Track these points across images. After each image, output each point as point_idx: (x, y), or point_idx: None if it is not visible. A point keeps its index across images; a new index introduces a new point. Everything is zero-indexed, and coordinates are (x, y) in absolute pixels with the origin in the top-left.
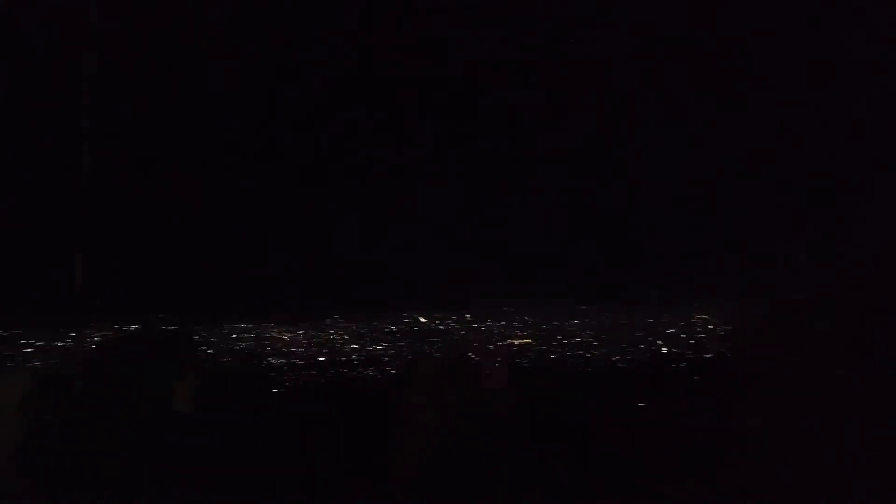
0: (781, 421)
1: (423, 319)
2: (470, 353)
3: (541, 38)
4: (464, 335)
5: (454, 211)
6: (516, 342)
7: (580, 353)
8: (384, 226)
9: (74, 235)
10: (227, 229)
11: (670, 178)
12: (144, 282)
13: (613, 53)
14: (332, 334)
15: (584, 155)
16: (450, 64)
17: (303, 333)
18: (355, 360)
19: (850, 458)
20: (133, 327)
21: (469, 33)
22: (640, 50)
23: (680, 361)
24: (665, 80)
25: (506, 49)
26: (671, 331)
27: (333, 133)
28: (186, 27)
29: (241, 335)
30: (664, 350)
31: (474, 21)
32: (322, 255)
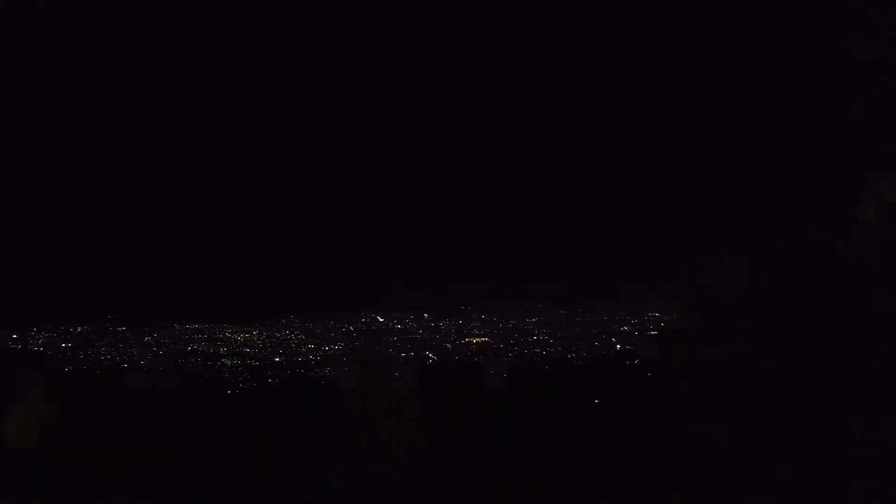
0: (720, 415)
1: (380, 319)
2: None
3: (541, 38)
4: (422, 334)
5: (415, 213)
6: (474, 340)
7: (537, 350)
8: (344, 227)
9: (26, 235)
10: (180, 229)
11: (629, 182)
12: (95, 282)
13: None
14: (288, 334)
15: (549, 160)
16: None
17: (257, 333)
18: (312, 360)
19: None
20: (81, 328)
21: (469, 34)
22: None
23: (633, 358)
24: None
25: (506, 49)
26: (625, 328)
27: (303, 131)
28: (187, 27)
29: (194, 335)
30: (618, 347)
31: (474, 21)
32: (280, 255)
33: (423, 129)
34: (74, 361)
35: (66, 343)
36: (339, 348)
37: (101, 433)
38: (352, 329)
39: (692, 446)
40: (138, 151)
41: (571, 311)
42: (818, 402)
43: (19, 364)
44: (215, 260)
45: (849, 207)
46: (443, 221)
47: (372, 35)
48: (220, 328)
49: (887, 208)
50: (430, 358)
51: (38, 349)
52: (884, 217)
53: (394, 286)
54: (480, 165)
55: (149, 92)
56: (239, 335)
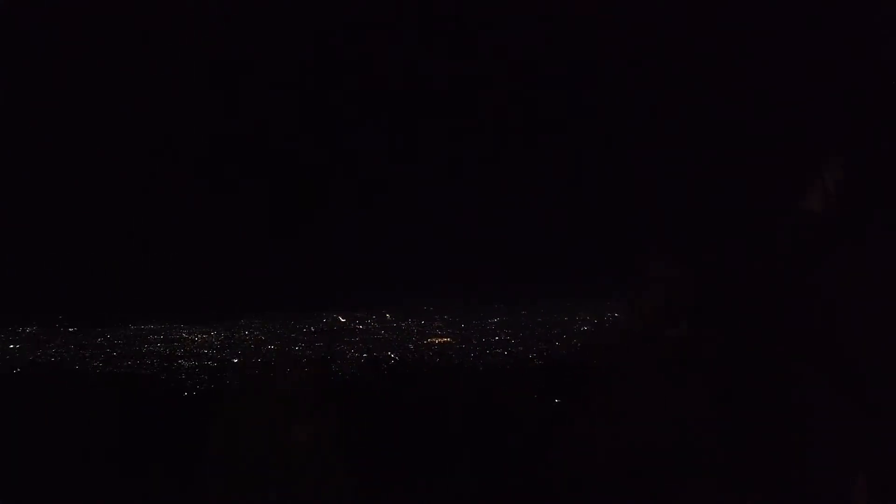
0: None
1: (342, 319)
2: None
3: (541, 38)
4: (383, 335)
5: (379, 214)
6: (437, 341)
7: (498, 350)
8: (305, 227)
9: None
10: (136, 227)
11: (585, 182)
12: (43, 280)
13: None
14: (247, 335)
15: (496, 160)
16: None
17: (215, 334)
18: (273, 361)
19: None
20: (29, 329)
21: (469, 34)
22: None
23: (592, 357)
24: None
25: (506, 49)
26: (585, 328)
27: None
28: (187, 27)
29: (149, 336)
30: (579, 346)
31: (474, 22)
32: (239, 254)
33: (414, 128)
34: (23, 364)
35: (15, 345)
36: (298, 349)
37: (58, 436)
38: (312, 329)
39: (653, 447)
40: (104, 148)
41: (533, 312)
42: (774, 397)
43: None
44: (172, 259)
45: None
46: (407, 222)
47: (372, 35)
48: (176, 329)
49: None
50: (392, 358)
51: None
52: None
53: (355, 286)
54: (455, 165)
55: (134, 90)
56: (196, 336)
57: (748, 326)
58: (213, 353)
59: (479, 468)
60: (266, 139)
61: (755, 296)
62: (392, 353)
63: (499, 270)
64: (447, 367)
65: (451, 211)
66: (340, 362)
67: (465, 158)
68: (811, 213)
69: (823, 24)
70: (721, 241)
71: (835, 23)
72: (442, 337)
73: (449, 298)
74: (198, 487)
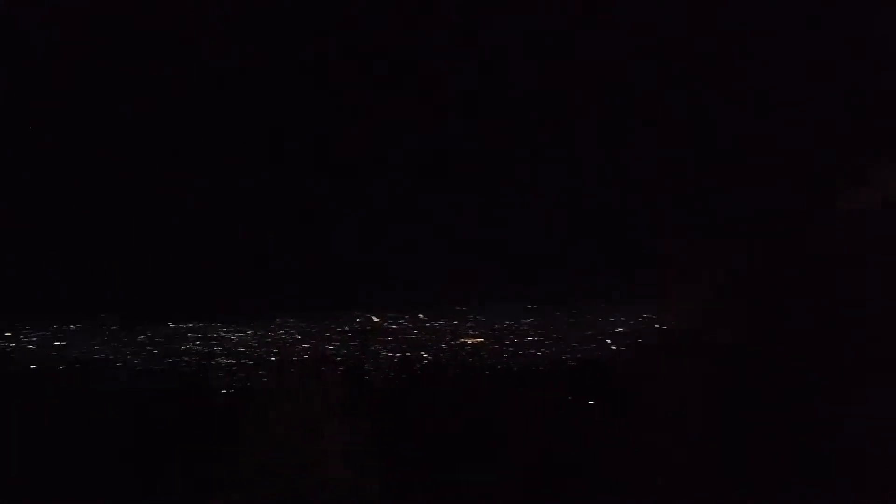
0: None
1: (375, 319)
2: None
3: (541, 38)
4: (416, 335)
5: (407, 212)
6: (469, 341)
7: (532, 352)
8: (339, 227)
9: (17, 233)
10: (174, 228)
11: (625, 182)
12: (88, 280)
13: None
14: (283, 334)
15: (537, 159)
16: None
17: (251, 333)
18: (307, 359)
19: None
20: (74, 326)
21: (469, 34)
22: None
23: (628, 360)
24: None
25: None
26: (620, 329)
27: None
28: (187, 26)
29: (188, 335)
30: (613, 348)
31: (475, 22)
32: (274, 254)
33: (422, 128)
34: (69, 360)
35: (60, 342)
36: (333, 348)
37: (99, 433)
38: (346, 329)
39: (687, 447)
40: (132, 149)
41: (566, 312)
42: (815, 400)
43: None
44: (209, 259)
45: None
46: (440, 222)
47: (372, 35)
48: (214, 327)
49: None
50: (425, 358)
51: (32, 347)
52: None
53: (389, 286)
54: (479, 165)
55: (147, 90)
56: (233, 335)
57: (786, 327)
58: (249, 351)
59: (511, 469)
60: (296, 138)
61: (793, 296)
62: (425, 353)
63: (531, 271)
64: (480, 368)
65: (482, 212)
66: (374, 362)
67: (493, 160)
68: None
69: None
70: (752, 242)
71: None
72: (475, 337)
73: (481, 299)
74: (234, 483)
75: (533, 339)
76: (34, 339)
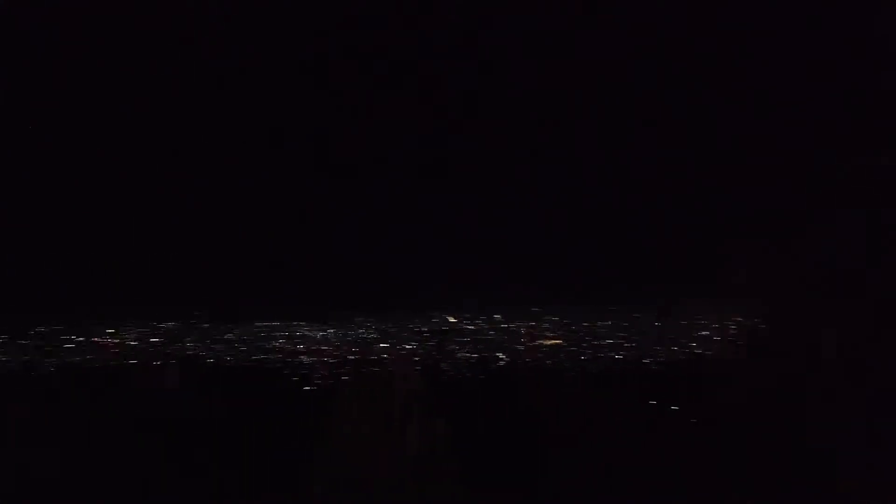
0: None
1: (452, 319)
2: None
3: (542, 38)
4: (492, 335)
5: (479, 213)
6: (546, 343)
7: (611, 354)
8: (411, 229)
9: (115, 229)
10: (264, 233)
11: (706, 183)
12: (185, 281)
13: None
14: (362, 333)
15: (596, 161)
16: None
17: (332, 332)
18: (385, 358)
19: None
20: (167, 325)
21: (470, 34)
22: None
23: (713, 363)
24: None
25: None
26: (705, 333)
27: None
28: (188, 27)
29: (273, 333)
30: (698, 351)
31: (475, 22)
32: (355, 255)
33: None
34: (162, 356)
35: (156, 338)
36: (410, 348)
37: (193, 426)
38: (423, 329)
39: (773, 451)
40: (218, 155)
41: (648, 314)
42: None
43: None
44: (294, 261)
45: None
46: (517, 224)
47: (371, 35)
48: (297, 326)
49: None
50: (501, 359)
51: (133, 343)
52: None
53: (466, 288)
54: (569, 169)
55: (162, 91)
56: (316, 333)
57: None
58: (331, 349)
59: (587, 473)
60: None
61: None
62: (501, 353)
63: (611, 273)
64: (557, 370)
65: (563, 213)
66: (450, 362)
67: (577, 162)
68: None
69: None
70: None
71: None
72: (552, 339)
73: (558, 300)
74: (317, 479)
75: (613, 342)
76: (134, 335)
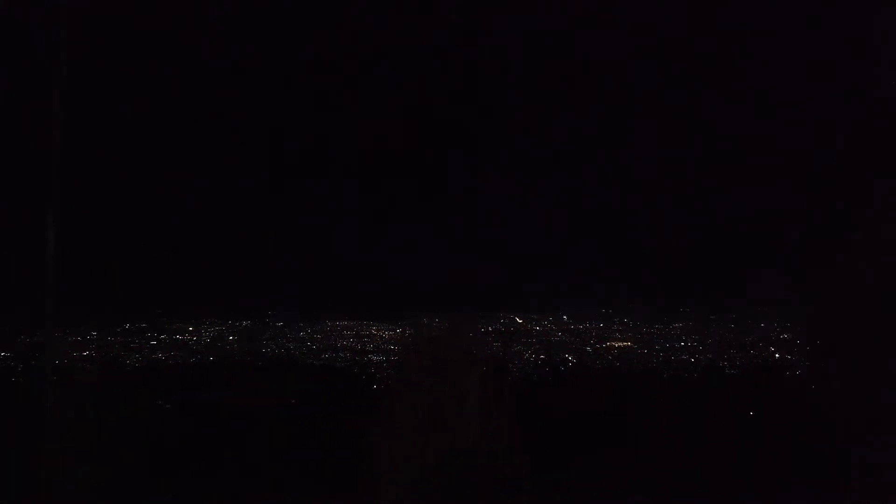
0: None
1: (519, 320)
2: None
3: (542, 39)
4: (560, 336)
5: (553, 215)
6: (616, 345)
7: (684, 357)
8: (485, 230)
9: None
10: (330, 234)
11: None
12: (259, 282)
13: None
14: (432, 332)
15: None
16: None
17: (400, 332)
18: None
19: None
20: (244, 323)
21: (470, 35)
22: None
23: (794, 368)
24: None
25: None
26: (786, 336)
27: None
28: (187, 26)
29: (343, 331)
30: (777, 356)
31: (475, 22)
32: (423, 255)
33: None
34: (240, 353)
35: (233, 336)
36: (477, 347)
37: (267, 421)
38: (490, 329)
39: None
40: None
41: (723, 316)
42: None
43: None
44: (365, 260)
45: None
46: (584, 223)
47: (372, 36)
48: (366, 325)
49: None
50: (570, 361)
51: (208, 342)
52: None
53: (534, 288)
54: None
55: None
56: (384, 332)
57: None
58: (399, 348)
59: (658, 477)
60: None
61: None
62: (569, 355)
63: (685, 273)
64: (628, 373)
65: (631, 212)
66: (517, 363)
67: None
68: None
69: None
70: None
71: None
72: (622, 341)
73: (630, 301)
74: (383, 477)
75: (686, 345)
76: (211, 333)
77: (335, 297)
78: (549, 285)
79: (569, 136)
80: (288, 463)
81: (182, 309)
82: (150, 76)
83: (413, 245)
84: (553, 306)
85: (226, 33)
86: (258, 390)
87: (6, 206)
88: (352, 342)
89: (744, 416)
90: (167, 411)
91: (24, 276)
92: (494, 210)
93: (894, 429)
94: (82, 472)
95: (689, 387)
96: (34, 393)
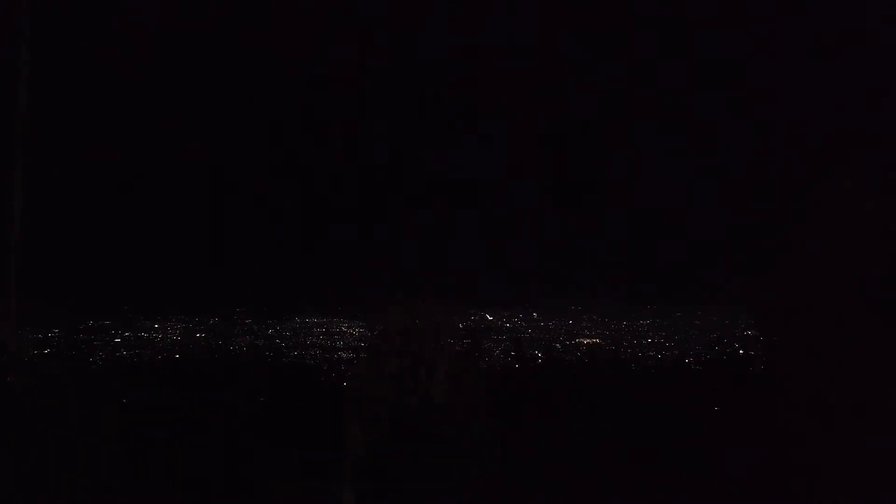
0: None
1: (489, 317)
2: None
3: (543, 39)
4: (530, 333)
5: (518, 213)
6: (585, 341)
7: (651, 353)
8: (452, 225)
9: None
10: (301, 227)
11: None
12: (227, 279)
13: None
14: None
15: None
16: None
17: (367, 327)
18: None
19: None
20: (212, 321)
21: (470, 35)
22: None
23: (758, 364)
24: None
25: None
26: (749, 332)
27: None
28: (189, 27)
29: (314, 329)
30: (741, 352)
31: (475, 22)
32: (390, 252)
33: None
34: (208, 351)
35: (200, 334)
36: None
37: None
38: (461, 326)
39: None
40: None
41: (689, 314)
42: None
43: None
44: (335, 258)
45: None
46: (559, 222)
47: (372, 36)
48: (336, 322)
49: None
50: (539, 357)
51: (177, 338)
52: None
53: (503, 285)
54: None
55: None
56: (354, 329)
57: None
58: (367, 345)
59: (632, 472)
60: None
61: None
62: (539, 351)
63: (652, 271)
64: (596, 368)
65: (601, 211)
66: (488, 359)
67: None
68: None
69: None
70: None
71: None
72: (590, 337)
73: (598, 298)
74: (354, 472)
75: (653, 341)
76: (178, 330)
77: (305, 294)
78: (520, 283)
79: (539, 139)
80: (257, 460)
81: (148, 306)
82: (114, 72)
83: (384, 243)
84: (522, 303)
85: (231, 36)
86: (226, 388)
87: None
88: (322, 339)
89: (708, 410)
90: (132, 410)
91: None
92: (465, 208)
93: (858, 424)
94: (46, 472)
95: (655, 381)
96: None
